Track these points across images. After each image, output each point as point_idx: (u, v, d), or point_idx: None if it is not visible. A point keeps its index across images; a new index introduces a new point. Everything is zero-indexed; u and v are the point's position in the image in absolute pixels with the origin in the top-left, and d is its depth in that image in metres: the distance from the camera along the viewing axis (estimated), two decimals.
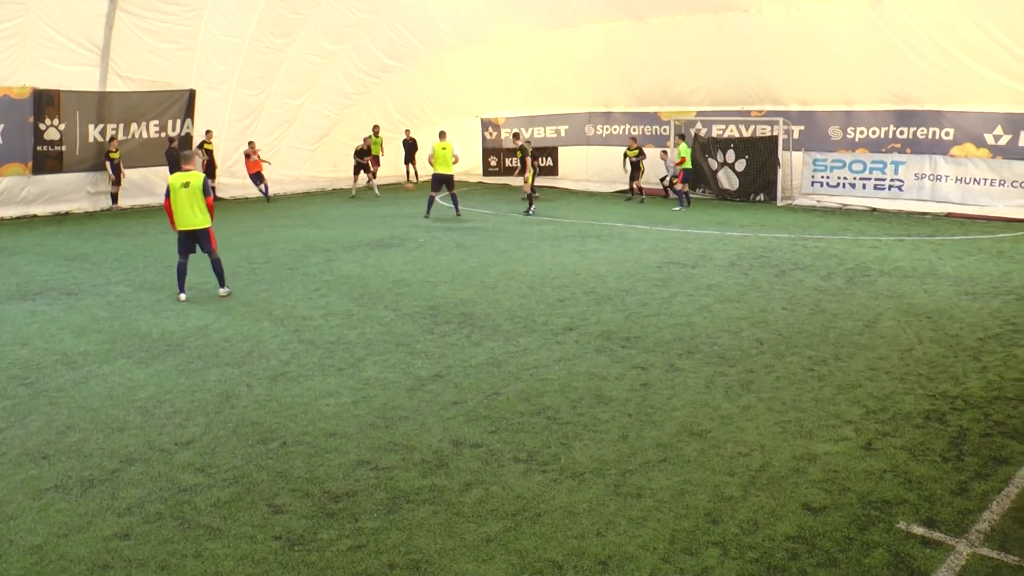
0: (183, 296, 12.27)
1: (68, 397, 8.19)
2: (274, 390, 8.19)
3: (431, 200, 21.34)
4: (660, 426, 7.09)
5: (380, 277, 13.60)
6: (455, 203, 21.22)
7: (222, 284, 12.60)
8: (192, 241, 12.24)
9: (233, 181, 27.01)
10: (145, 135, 24.71)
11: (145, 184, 24.82)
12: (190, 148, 24.45)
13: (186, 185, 11.94)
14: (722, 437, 6.86)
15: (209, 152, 25.28)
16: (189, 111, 25.27)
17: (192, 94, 25.12)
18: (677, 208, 22.37)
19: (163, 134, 24.77)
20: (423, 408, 7.61)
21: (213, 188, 25.31)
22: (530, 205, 21.64)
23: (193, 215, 12.03)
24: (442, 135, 21.70)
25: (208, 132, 25.53)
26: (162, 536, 5.43)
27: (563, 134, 29.37)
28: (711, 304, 11.44)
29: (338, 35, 26.54)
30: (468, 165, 32.07)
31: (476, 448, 6.67)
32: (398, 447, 6.72)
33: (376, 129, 28.23)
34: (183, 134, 25.19)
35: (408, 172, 30.00)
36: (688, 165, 22.88)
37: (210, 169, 24.94)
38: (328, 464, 6.43)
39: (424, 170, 28.00)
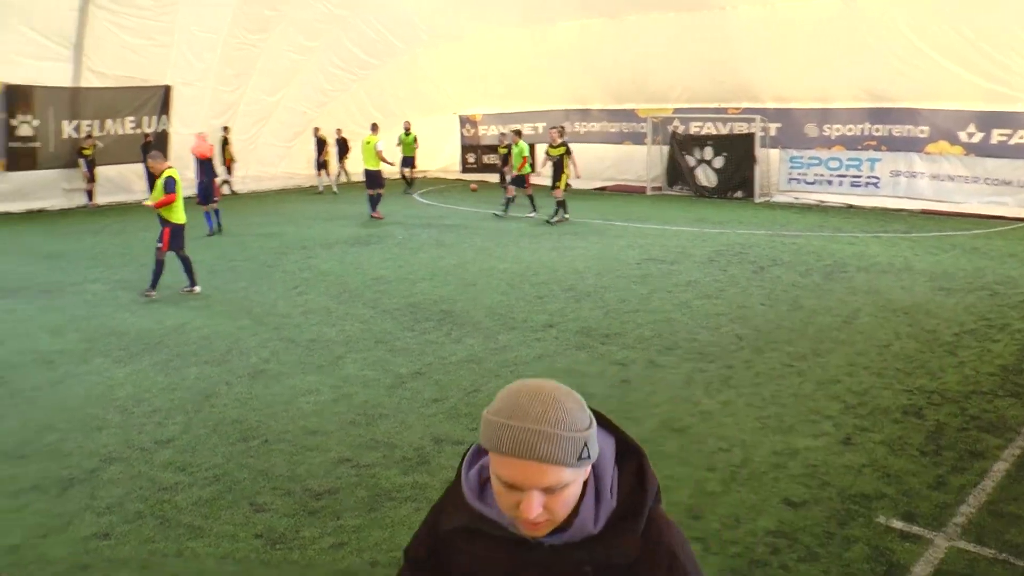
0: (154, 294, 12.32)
1: (45, 396, 8.13)
2: (254, 388, 8.16)
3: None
4: (641, 422, 7.11)
5: (359, 274, 13.57)
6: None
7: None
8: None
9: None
10: (121, 131, 24.51)
11: (121, 181, 24.64)
12: (166, 144, 24.52)
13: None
14: (703, 432, 6.90)
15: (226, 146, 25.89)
16: (165, 107, 25.07)
17: (167, 90, 24.92)
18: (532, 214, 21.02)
19: (139, 130, 24.59)
20: (404, 405, 7.60)
21: (228, 183, 25.95)
22: (557, 211, 19.80)
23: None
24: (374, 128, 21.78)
25: (226, 128, 25.83)
26: (143, 535, 5.41)
27: (540, 131, 29.37)
28: (690, 300, 11.49)
29: (314, 31, 26.39)
30: (446, 162, 32.04)
31: (457, 445, 6.67)
32: (379, 444, 6.72)
33: (407, 126, 27.87)
34: (159, 130, 25.03)
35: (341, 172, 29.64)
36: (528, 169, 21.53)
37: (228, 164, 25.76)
38: (309, 462, 6.41)
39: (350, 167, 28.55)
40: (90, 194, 23.73)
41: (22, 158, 22.69)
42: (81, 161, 23.42)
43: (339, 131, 27.70)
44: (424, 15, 27.18)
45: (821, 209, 21.52)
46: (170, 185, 12.04)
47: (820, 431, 6.92)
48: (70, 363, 9.19)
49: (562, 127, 21.54)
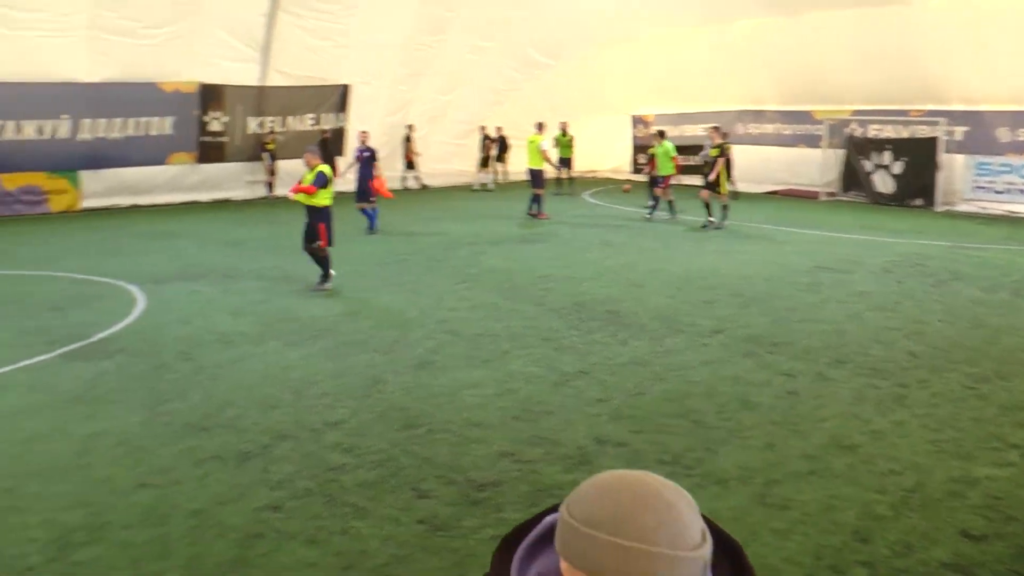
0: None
1: (225, 374, 8.65)
2: (420, 378, 8.39)
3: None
4: (807, 436, 6.91)
5: (526, 272, 13.72)
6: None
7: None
8: None
9: (386, 174, 27.71)
10: (300, 128, 25.75)
11: (298, 174, 25.64)
12: (343, 141, 25.66)
13: None
14: (873, 452, 6.62)
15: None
16: (343, 105, 26.14)
17: (346, 89, 25.95)
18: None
19: (317, 127, 25.72)
20: (567, 404, 7.65)
21: (417, 178, 27.04)
22: (722, 213, 19.22)
23: None
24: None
25: (410, 127, 26.97)
26: (311, 511, 5.66)
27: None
28: (862, 312, 11.06)
29: (489, 32, 26.80)
30: (617, 162, 31.93)
31: (620, 447, 6.66)
32: (542, 441, 6.78)
33: (564, 126, 27.76)
34: (337, 127, 26.12)
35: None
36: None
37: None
38: (472, 453, 6.55)
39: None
40: (270, 186, 24.98)
41: (211, 151, 24.40)
42: (264, 155, 24.74)
43: (499, 129, 28.08)
44: (601, 16, 27.14)
45: (1010, 220, 20.24)
46: (320, 179, 12.39)
47: (1004, 460, 6.50)
48: (248, 344, 9.72)
49: (717, 126, 20.89)
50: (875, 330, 10.18)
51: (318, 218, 12.55)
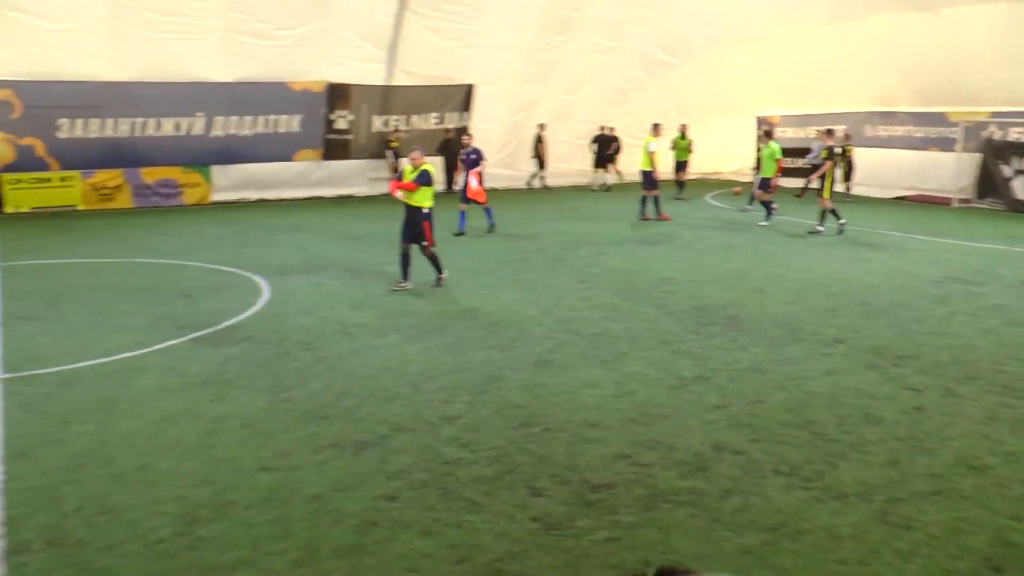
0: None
1: (345, 364, 8.84)
2: (538, 376, 8.39)
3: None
4: (934, 454, 6.60)
5: (646, 273, 13.59)
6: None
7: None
8: None
9: (504, 172, 27.95)
10: (424, 126, 26.18)
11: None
12: (467, 137, 25.84)
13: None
14: (1007, 476, 6.25)
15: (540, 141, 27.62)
16: (467, 105, 26.42)
17: (471, 89, 26.22)
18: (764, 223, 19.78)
19: (441, 126, 26.08)
20: (685, 408, 7.53)
21: (542, 177, 27.30)
22: (822, 219, 18.63)
23: None
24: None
25: (541, 126, 27.25)
26: (426, 503, 5.73)
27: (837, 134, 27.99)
28: (997, 327, 10.52)
29: (615, 31, 26.68)
30: (741, 164, 31.36)
31: (737, 455, 6.52)
32: (658, 445, 6.69)
33: (683, 129, 26.88)
34: (460, 126, 26.39)
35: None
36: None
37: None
38: (588, 454, 6.51)
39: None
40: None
41: (336, 149, 25.21)
42: (388, 153, 25.22)
43: (611, 129, 27.89)
44: (728, 15, 26.69)
45: None
46: (423, 177, 12.28)
47: None
48: (368, 336, 9.92)
49: (831, 129, 20.07)
50: (1010, 346, 9.67)
51: (421, 217, 12.41)
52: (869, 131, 27.03)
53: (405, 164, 12.34)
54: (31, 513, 5.64)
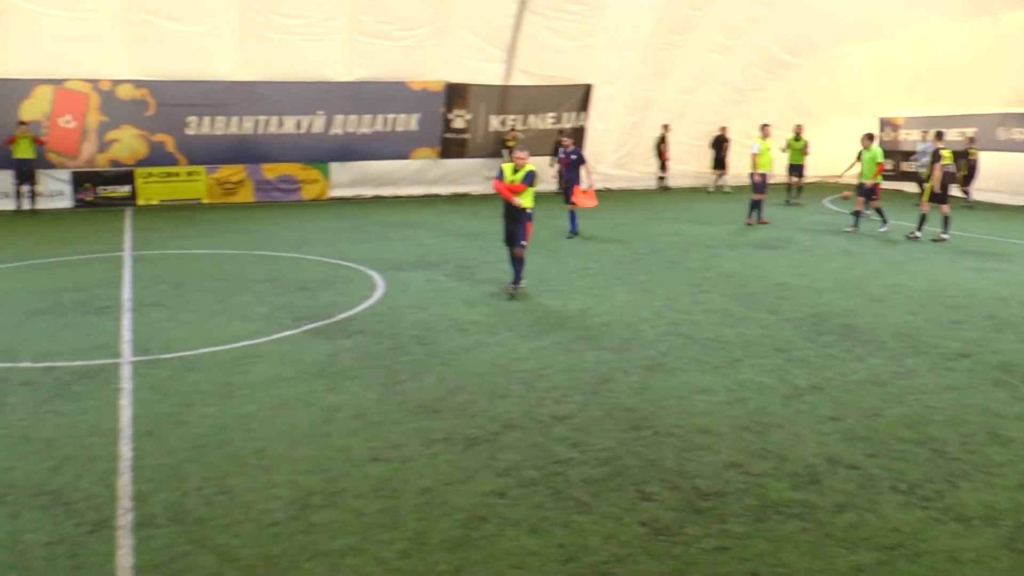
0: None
1: (458, 360, 8.94)
2: (649, 379, 8.31)
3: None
4: None
5: (762, 278, 13.32)
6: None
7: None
8: None
9: (621, 172, 27.83)
10: (541, 126, 26.27)
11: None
12: (583, 139, 26.16)
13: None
14: None
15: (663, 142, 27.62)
16: (584, 105, 26.39)
17: (588, 89, 26.17)
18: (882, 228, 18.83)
19: (557, 125, 26.10)
20: (798, 419, 7.34)
21: (663, 178, 27.37)
22: (920, 225, 18.08)
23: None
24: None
25: (666, 127, 27.25)
26: (534, 501, 5.74)
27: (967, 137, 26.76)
28: None
29: (735, 30, 26.24)
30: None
31: (852, 470, 6.31)
32: (770, 455, 6.54)
33: (798, 130, 25.48)
34: (577, 126, 26.40)
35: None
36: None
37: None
38: (699, 460, 6.41)
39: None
40: None
41: (453, 147, 25.68)
42: (505, 152, 25.40)
43: (724, 130, 27.39)
44: (853, 12, 25.79)
45: None
46: (529, 178, 11.94)
47: None
48: (480, 333, 10.00)
49: (941, 132, 19.10)
50: None
51: (525, 217, 11.99)
52: (1002, 134, 25.69)
53: (506, 164, 12.18)
54: (156, 489, 5.91)
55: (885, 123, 29.56)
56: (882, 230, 18.67)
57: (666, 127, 27.36)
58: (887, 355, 9.26)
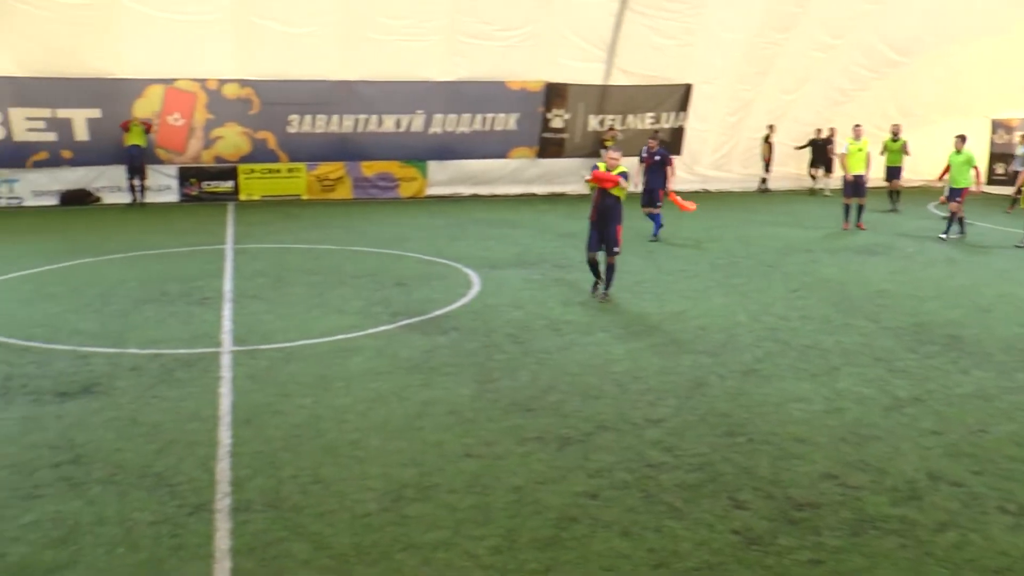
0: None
1: (552, 359, 8.96)
2: (745, 385, 8.20)
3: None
4: None
5: (862, 285, 12.97)
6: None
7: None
8: None
9: (719, 174, 27.47)
10: (640, 126, 26.10)
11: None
12: (680, 140, 26.13)
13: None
14: None
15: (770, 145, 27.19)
16: (683, 105, 26.12)
17: (688, 89, 25.90)
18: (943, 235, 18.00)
19: (656, 125, 25.88)
20: (898, 431, 7.13)
21: (765, 180, 27.14)
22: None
23: None
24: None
25: (771, 127, 26.81)
26: (626, 504, 5.72)
27: None
28: None
29: (840, 27, 25.50)
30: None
31: (956, 487, 6.09)
32: (868, 468, 6.37)
33: (896, 130, 24.05)
34: (676, 126, 26.16)
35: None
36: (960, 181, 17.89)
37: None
38: (794, 470, 6.28)
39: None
40: None
41: (551, 147, 25.69)
42: (603, 151, 25.23)
43: (819, 131, 26.72)
44: (965, 7, 24.76)
45: None
46: (623, 178, 11.62)
47: None
48: (575, 333, 10.00)
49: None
50: None
51: (616, 220, 11.60)
52: None
53: (600, 163, 11.89)
54: (253, 476, 6.09)
55: (998, 125, 28.37)
56: (942, 236, 17.91)
57: (771, 127, 26.84)
58: (995, 368, 8.93)
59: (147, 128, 21.69)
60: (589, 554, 5.07)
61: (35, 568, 4.92)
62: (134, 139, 21.47)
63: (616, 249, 11.62)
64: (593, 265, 11.86)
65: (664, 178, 17.38)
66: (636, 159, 18.09)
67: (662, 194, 17.17)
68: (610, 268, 11.71)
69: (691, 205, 16.99)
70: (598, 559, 5.02)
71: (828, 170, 26.94)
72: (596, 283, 11.95)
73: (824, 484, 6.07)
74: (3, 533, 5.29)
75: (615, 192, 11.54)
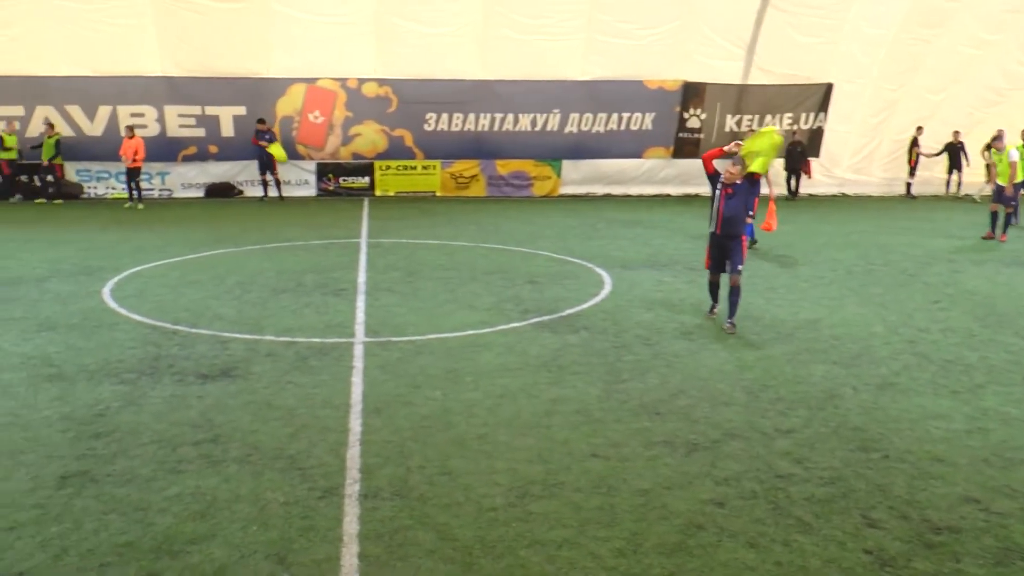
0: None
1: (682, 364, 8.89)
2: (880, 399, 7.93)
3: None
4: None
5: (1011, 298, 12.33)
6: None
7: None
8: None
9: (858, 178, 26.58)
10: (778, 127, 25.47)
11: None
12: (819, 142, 25.53)
13: None
14: None
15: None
16: (824, 105, 25.39)
17: (829, 88, 25.16)
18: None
19: (794, 126, 25.23)
20: None
21: (909, 184, 25.91)
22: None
23: None
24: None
25: (919, 129, 25.89)
26: (754, 515, 5.62)
27: None
28: None
29: (997, 23, 24.27)
30: None
31: None
32: (1015, 493, 6.04)
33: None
34: (814, 127, 25.46)
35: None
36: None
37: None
38: (932, 491, 6.04)
39: None
40: None
41: (686, 147, 25.42)
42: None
43: (956, 134, 25.43)
44: None
45: None
46: (753, 185, 10.58)
47: None
48: (706, 338, 9.88)
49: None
50: None
51: (741, 228, 10.34)
52: None
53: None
54: (382, 464, 6.27)
55: None
56: (983, 236, 17.35)
57: (919, 129, 25.69)
58: None
59: (271, 138, 22.49)
60: (714, 563, 5.02)
61: (178, 538, 5.21)
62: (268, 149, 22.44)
63: (740, 267, 10.19)
64: (715, 288, 10.80)
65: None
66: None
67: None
68: (735, 291, 10.17)
69: (774, 224, 16.20)
70: (723, 569, 4.96)
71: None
72: (713, 307, 10.87)
73: (965, 508, 5.81)
74: (152, 504, 5.63)
75: (754, 167, 10.26)
